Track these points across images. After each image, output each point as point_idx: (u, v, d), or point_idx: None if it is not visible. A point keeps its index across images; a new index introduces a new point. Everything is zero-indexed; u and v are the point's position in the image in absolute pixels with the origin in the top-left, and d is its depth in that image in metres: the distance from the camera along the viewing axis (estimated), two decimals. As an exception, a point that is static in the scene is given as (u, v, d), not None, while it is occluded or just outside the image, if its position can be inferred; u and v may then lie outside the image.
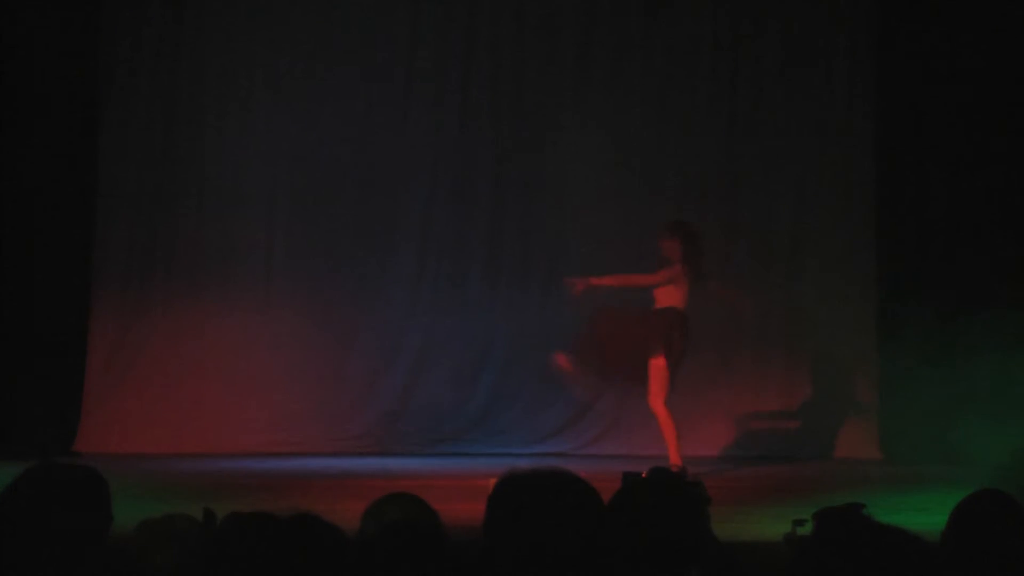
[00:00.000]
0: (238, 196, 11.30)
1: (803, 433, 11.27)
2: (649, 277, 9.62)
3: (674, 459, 9.39)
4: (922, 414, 10.79)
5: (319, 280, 11.36)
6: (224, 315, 11.20)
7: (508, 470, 3.16)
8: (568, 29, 11.56)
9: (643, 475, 3.76)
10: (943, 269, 10.94)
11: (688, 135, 11.50)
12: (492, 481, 3.14)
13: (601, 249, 11.35)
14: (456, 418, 11.33)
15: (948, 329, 10.75)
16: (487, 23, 11.58)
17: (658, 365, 9.48)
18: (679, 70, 11.53)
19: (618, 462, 9.62)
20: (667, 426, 9.48)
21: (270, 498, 8.16)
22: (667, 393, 9.52)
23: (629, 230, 11.41)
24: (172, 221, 11.28)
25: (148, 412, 11.06)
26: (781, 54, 11.50)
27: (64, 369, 10.85)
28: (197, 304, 11.23)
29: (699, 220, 11.38)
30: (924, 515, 6.44)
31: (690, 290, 9.52)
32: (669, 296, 9.52)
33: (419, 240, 11.51)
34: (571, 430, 11.38)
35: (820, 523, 3.33)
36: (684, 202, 11.40)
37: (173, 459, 10.44)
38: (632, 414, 11.34)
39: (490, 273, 11.51)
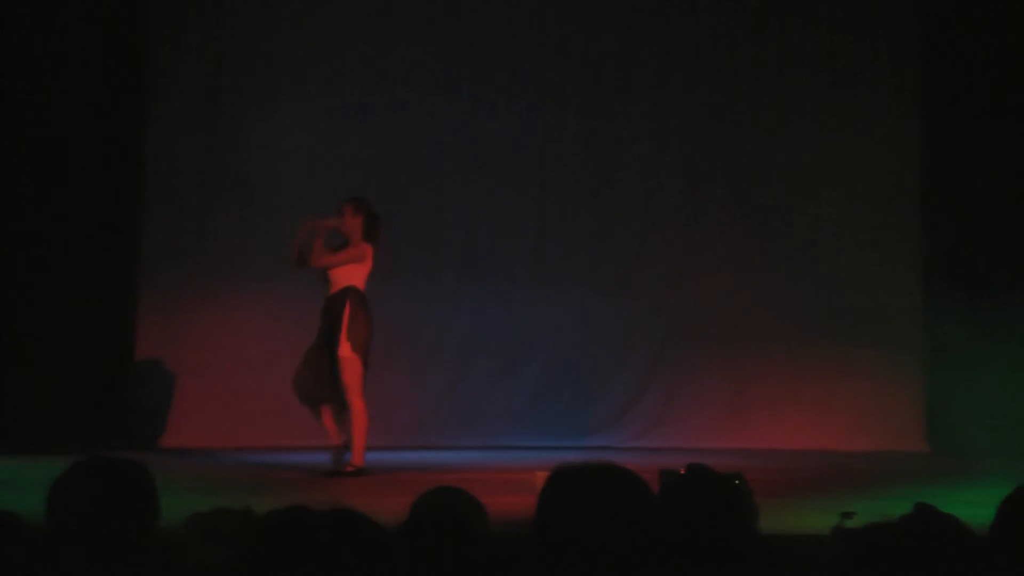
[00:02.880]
0: (282, 193, 11.32)
1: (848, 424, 11.21)
2: (340, 255, 9.14)
3: (358, 460, 9.08)
4: (970, 406, 10.71)
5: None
6: (268, 311, 11.23)
7: (560, 463, 3.15)
8: (612, 23, 11.53)
9: (681, 471, 3.74)
10: (992, 255, 10.82)
11: (729, 122, 11.46)
12: (537, 474, 3.13)
13: (646, 243, 11.38)
14: (501, 412, 11.34)
15: (997, 320, 10.66)
16: (530, 20, 11.56)
17: (345, 356, 9.08)
18: (723, 56, 11.50)
19: (664, 455, 9.62)
20: (360, 423, 9.12)
21: (313, 492, 8.19)
22: (363, 385, 9.15)
23: (673, 226, 11.42)
24: (218, 218, 11.32)
25: (193, 407, 11.11)
26: (826, 31, 11.45)
27: (110, 364, 10.92)
28: (242, 300, 11.27)
29: (745, 206, 11.39)
30: (973, 508, 6.40)
31: (370, 273, 9.23)
32: (349, 276, 9.12)
33: (463, 236, 11.51)
34: (617, 424, 11.35)
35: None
36: (727, 190, 11.39)
37: (217, 453, 10.48)
38: (679, 408, 11.33)
39: (534, 268, 11.50)
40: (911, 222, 11.30)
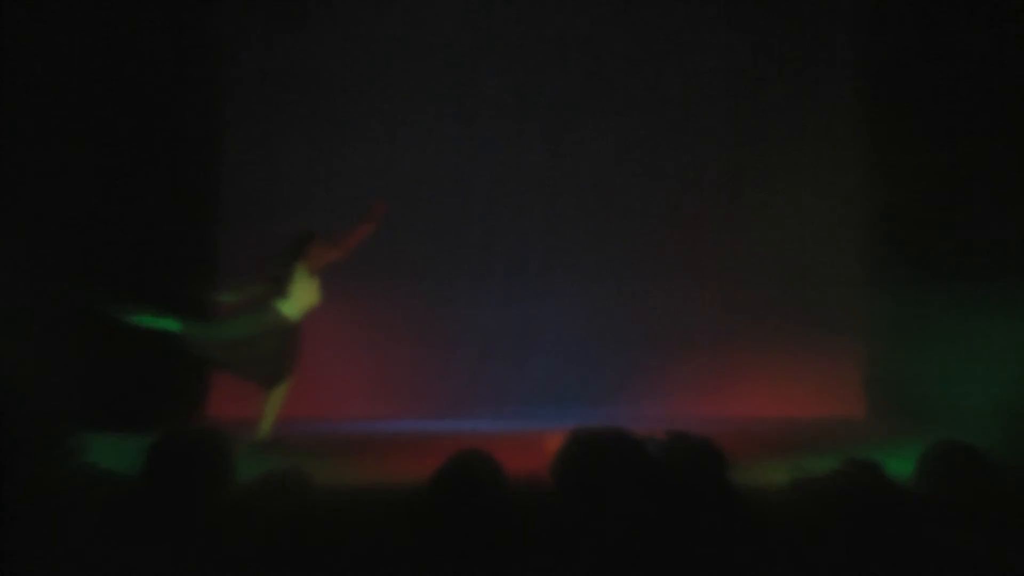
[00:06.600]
0: (342, 207, 11.19)
1: (796, 392, 10.97)
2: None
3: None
4: (907, 373, 10.28)
5: (390, 269, 11.31)
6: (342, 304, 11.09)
7: (575, 429, 3.15)
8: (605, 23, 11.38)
9: (660, 437, 3.76)
10: (935, 227, 10.00)
11: (690, 120, 11.30)
12: (548, 437, 3.15)
13: (633, 234, 11.30)
14: (515, 389, 11.30)
15: (935, 288, 9.87)
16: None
17: None
18: (690, 61, 11.31)
19: (655, 423, 9.58)
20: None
21: (359, 456, 8.27)
22: None
23: (650, 219, 11.35)
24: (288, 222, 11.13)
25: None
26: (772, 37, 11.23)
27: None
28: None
29: (696, 183, 11.22)
30: (900, 462, 6.39)
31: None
32: None
33: (479, 237, 11.46)
34: (614, 398, 11.19)
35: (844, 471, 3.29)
36: (676, 174, 11.24)
37: (287, 421, 10.38)
38: (677, 374, 11.13)
39: (550, 260, 11.44)
40: (854, 193, 10.95)
